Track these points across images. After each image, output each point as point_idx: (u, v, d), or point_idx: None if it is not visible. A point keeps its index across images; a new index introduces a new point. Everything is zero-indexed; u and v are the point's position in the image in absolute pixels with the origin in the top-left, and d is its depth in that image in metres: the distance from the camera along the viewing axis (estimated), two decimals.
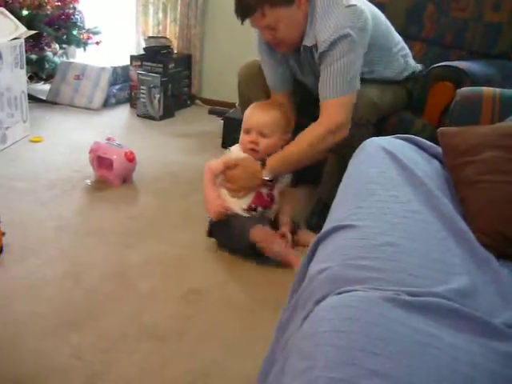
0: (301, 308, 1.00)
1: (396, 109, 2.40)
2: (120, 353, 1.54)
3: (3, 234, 2.03)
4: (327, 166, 2.36)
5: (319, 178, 2.47)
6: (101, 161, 2.67)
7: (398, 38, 2.40)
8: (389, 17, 2.40)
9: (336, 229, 1.17)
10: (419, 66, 2.48)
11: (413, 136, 1.72)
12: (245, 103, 2.42)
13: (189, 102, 4.37)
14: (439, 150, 1.63)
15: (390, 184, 1.38)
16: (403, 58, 2.40)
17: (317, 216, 2.39)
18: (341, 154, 2.19)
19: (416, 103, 2.46)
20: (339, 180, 2.25)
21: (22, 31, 3.20)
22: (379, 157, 1.54)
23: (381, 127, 2.30)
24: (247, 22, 2.12)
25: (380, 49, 2.27)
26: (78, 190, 2.62)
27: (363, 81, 2.22)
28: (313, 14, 2.09)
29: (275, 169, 2.13)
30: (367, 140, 1.70)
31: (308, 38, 2.13)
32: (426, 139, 1.73)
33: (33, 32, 3.33)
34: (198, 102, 4.43)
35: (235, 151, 2.20)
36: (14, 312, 1.69)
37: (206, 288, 1.89)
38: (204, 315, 1.74)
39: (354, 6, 2.06)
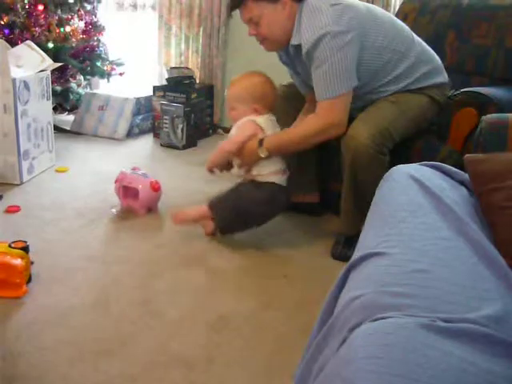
0: (335, 334, 1.00)
1: (422, 122, 2.39)
2: (149, 380, 1.55)
3: (32, 263, 2.06)
4: (344, 201, 2.35)
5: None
6: (126, 190, 2.71)
7: (418, 42, 2.40)
8: None
9: (367, 256, 1.17)
10: (447, 78, 2.46)
11: (439, 163, 1.72)
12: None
13: (211, 132, 4.42)
14: (466, 176, 1.64)
15: (418, 211, 1.39)
16: (426, 63, 2.38)
17: (341, 245, 2.38)
18: (356, 182, 2.24)
19: (441, 129, 2.45)
20: (358, 213, 2.30)
21: (49, 63, 3.26)
22: (407, 184, 1.55)
23: (406, 153, 2.31)
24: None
25: (392, 50, 2.28)
26: (105, 219, 2.64)
27: (378, 96, 2.30)
28: (301, 14, 2.19)
29: (269, 150, 2.24)
30: (394, 168, 1.71)
31: (295, 38, 2.23)
32: (452, 165, 1.74)
33: (59, 64, 3.39)
34: (219, 131, 4.48)
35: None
36: (43, 340, 1.70)
37: (234, 315, 1.89)
38: (233, 342, 1.74)
39: (339, 4, 2.14)
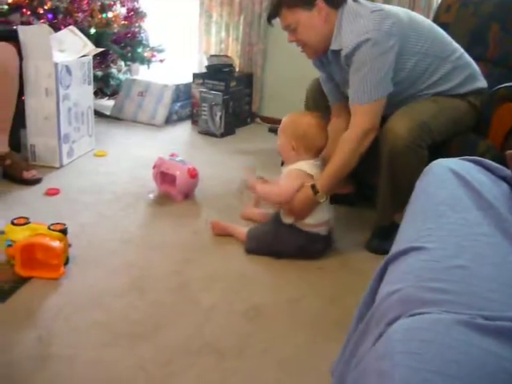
0: (372, 329, 0.99)
1: (460, 127, 2.35)
2: (181, 366, 1.55)
3: (69, 245, 2.08)
4: (380, 193, 2.34)
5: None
6: (164, 176, 2.72)
7: (456, 48, 2.38)
8: (452, 37, 2.40)
9: (406, 251, 1.16)
10: (485, 83, 2.43)
11: (480, 158, 1.68)
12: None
13: (249, 120, 4.41)
14: (508, 172, 1.60)
15: (458, 206, 1.36)
16: (464, 68, 2.36)
17: (377, 238, 2.37)
18: (394, 176, 2.22)
19: (479, 124, 2.42)
20: (393, 205, 2.29)
21: (91, 49, 3.29)
22: (447, 178, 1.52)
23: (444, 149, 2.28)
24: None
25: (432, 56, 2.27)
26: (142, 204, 2.67)
27: (416, 98, 2.28)
28: (340, 20, 2.19)
29: (325, 191, 2.17)
30: (434, 162, 1.68)
31: (335, 43, 2.23)
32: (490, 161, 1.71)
33: (101, 49, 3.42)
34: (257, 119, 4.47)
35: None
36: (78, 321, 1.72)
37: (267, 304, 1.89)
38: (265, 332, 1.74)
39: (380, 10, 2.16)
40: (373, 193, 2.63)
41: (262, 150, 3.70)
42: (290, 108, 4.18)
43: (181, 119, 4.36)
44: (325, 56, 2.36)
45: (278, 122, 4.14)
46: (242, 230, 2.31)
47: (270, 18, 2.32)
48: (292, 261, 2.20)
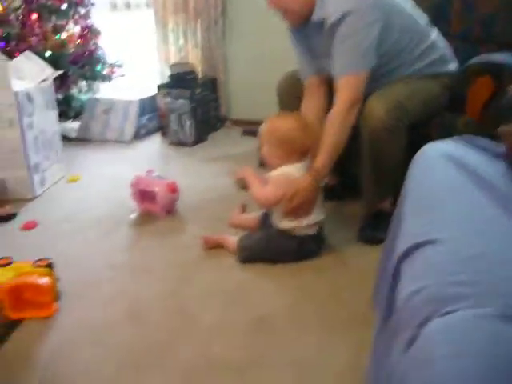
0: (402, 330, 0.94)
1: (435, 107, 2.36)
2: None
3: (57, 279, 2.00)
4: (364, 179, 2.34)
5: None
6: (143, 194, 2.65)
7: (433, 28, 2.40)
8: None
9: (418, 245, 1.11)
10: (457, 66, 2.44)
11: (472, 136, 1.66)
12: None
13: (219, 125, 4.35)
14: (500, 149, 1.57)
15: (461, 191, 1.32)
16: (440, 48, 2.39)
17: (368, 228, 2.35)
18: (376, 160, 2.22)
19: (453, 101, 2.41)
20: (378, 187, 2.29)
21: (50, 72, 3.20)
22: (443, 163, 1.48)
23: (423, 129, 2.29)
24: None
25: (413, 31, 2.28)
26: (124, 225, 2.59)
27: (390, 79, 2.27)
28: None
29: (324, 171, 2.14)
30: (425, 146, 1.65)
31: (318, 13, 2.17)
32: (471, 134, 1.70)
33: (60, 72, 3.33)
34: (228, 123, 4.41)
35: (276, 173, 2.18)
36: (79, 359, 1.65)
37: (273, 313, 1.84)
38: (274, 340, 1.69)
39: None
40: (356, 183, 2.60)
41: (237, 154, 3.65)
42: (258, 108, 4.18)
43: (149, 133, 4.28)
44: (304, 27, 2.31)
45: (250, 123, 4.17)
46: (232, 239, 2.25)
47: None
48: (287, 264, 2.15)
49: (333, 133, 2.14)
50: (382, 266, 1.57)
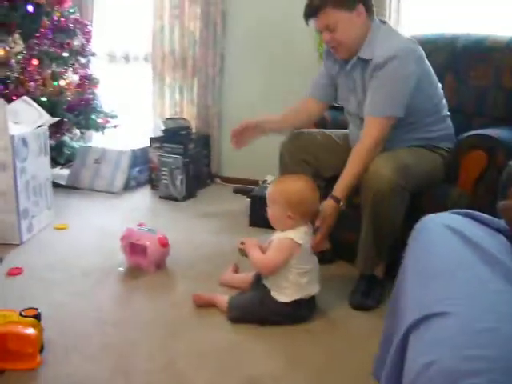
0: None
1: (434, 179, 2.39)
2: None
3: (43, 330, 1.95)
4: (361, 240, 2.33)
5: (354, 255, 2.42)
6: (133, 247, 2.61)
7: (444, 101, 2.51)
8: None
9: (427, 317, 1.10)
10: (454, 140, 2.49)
11: (470, 211, 1.66)
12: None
13: (209, 181, 4.35)
14: (501, 224, 1.58)
15: (466, 264, 1.32)
16: (449, 125, 2.50)
17: (359, 294, 2.33)
18: (376, 221, 2.23)
19: (448, 173, 2.44)
20: (374, 249, 2.29)
21: (46, 119, 3.20)
22: (445, 235, 1.48)
23: (417, 200, 2.29)
24: None
25: (433, 100, 2.40)
26: (112, 278, 2.54)
27: (401, 144, 2.33)
28: (374, 32, 2.30)
29: (346, 197, 2.23)
30: (425, 218, 1.65)
31: (365, 52, 2.29)
32: (464, 208, 1.71)
33: (56, 119, 3.33)
34: (218, 180, 4.42)
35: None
36: None
37: (263, 376, 1.80)
38: None
39: (413, 39, 2.33)
40: (347, 249, 2.61)
41: (227, 211, 3.64)
42: (248, 167, 4.20)
43: (139, 185, 4.26)
44: (345, 61, 2.40)
45: (239, 181, 4.18)
46: (223, 298, 2.21)
47: (309, 16, 2.31)
48: (277, 326, 2.12)
49: (357, 165, 2.23)
50: (385, 337, 1.54)
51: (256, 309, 2.13)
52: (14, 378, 1.75)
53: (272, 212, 2.16)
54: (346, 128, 2.66)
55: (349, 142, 2.53)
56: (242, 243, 2.29)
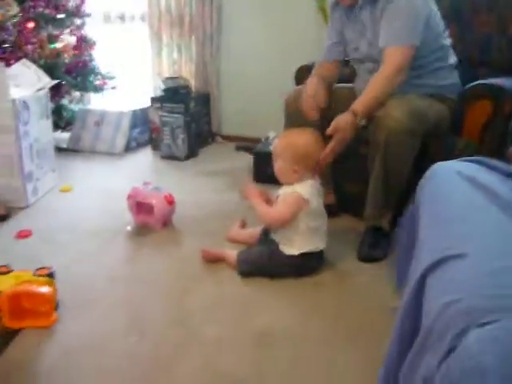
0: (433, 343, 0.94)
1: (441, 129, 2.38)
2: None
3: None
4: (370, 188, 2.33)
5: (360, 208, 2.43)
6: (140, 206, 2.62)
7: (451, 49, 2.50)
8: None
9: (444, 259, 1.11)
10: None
11: (481, 157, 1.67)
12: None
13: (210, 140, 4.35)
14: (511, 169, 1.59)
15: (478, 208, 1.33)
16: (456, 74, 2.49)
17: (366, 246, 2.35)
18: (387, 166, 2.21)
19: (453, 122, 2.44)
20: (385, 201, 2.30)
21: (46, 81, 3.18)
22: (457, 181, 1.50)
23: (423, 150, 2.28)
24: None
25: (439, 37, 2.38)
26: (121, 237, 2.56)
27: (411, 89, 2.29)
28: None
29: (365, 114, 2.19)
30: (436, 165, 1.66)
31: None
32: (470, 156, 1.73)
33: (56, 82, 3.31)
34: (219, 138, 4.41)
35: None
36: (82, 370, 1.62)
37: (275, 328, 1.82)
38: (280, 356, 1.67)
39: None
40: (352, 201, 2.62)
41: (229, 169, 3.64)
42: (248, 124, 4.19)
43: (140, 145, 4.25)
44: (352, 6, 2.39)
45: (240, 139, 4.17)
46: (232, 253, 2.23)
47: None
48: (287, 279, 2.14)
49: (375, 89, 2.22)
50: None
51: (265, 262, 2.16)
52: (31, 336, 1.79)
53: (278, 166, 2.15)
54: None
55: (355, 94, 2.51)
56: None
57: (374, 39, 2.33)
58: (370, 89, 2.22)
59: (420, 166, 1.88)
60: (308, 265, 2.17)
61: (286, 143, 2.15)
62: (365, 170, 2.33)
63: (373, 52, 2.36)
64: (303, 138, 2.12)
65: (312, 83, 2.47)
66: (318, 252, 2.19)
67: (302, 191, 2.09)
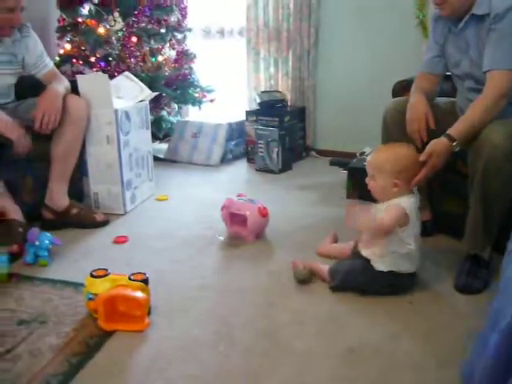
0: None
1: None
2: None
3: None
4: (470, 216, 2.20)
5: (457, 228, 2.32)
6: (233, 217, 2.65)
7: None
8: None
9: None
10: None
11: None
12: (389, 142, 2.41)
13: (304, 154, 4.35)
14: None
15: None
16: None
17: (465, 274, 2.20)
18: (486, 196, 2.09)
19: None
20: (485, 229, 2.16)
21: (147, 93, 3.29)
22: None
23: None
24: None
25: None
26: (213, 247, 2.60)
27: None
28: None
29: (461, 139, 2.11)
30: None
31: (479, 7, 2.16)
32: None
33: (156, 93, 3.41)
34: (313, 153, 4.41)
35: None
36: (172, 375, 1.64)
37: (364, 346, 1.79)
38: (368, 376, 1.64)
39: None
40: (450, 221, 2.52)
41: (323, 184, 3.62)
42: (344, 139, 4.17)
43: (235, 158, 4.32)
44: (457, 21, 2.29)
45: (334, 154, 4.15)
46: (324, 266, 2.21)
47: None
48: (378, 297, 2.10)
49: (477, 112, 2.13)
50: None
51: (358, 275, 2.11)
52: (125, 339, 1.84)
53: (375, 181, 2.11)
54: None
55: (456, 110, 2.44)
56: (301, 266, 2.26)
57: (478, 58, 2.23)
58: (469, 114, 2.14)
59: None
60: (399, 283, 2.12)
61: (385, 156, 2.10)
62: (464, 188, 2.23)
63: (475, 72, 2.27)
64: (403, 150, 2.08)
65: (420, 103, 2.38)
66: (411, 272, 2.13)
67: (405, 205, 2.03)
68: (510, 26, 2.10)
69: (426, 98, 2.41)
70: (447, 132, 2.12)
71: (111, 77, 3.37)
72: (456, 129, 2.12)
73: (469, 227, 2.22)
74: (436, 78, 2.51)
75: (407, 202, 2.05)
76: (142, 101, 3.23)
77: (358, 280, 2.12)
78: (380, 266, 2.09)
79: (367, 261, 2.12)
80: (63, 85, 2.79)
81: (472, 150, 2.11)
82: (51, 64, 2.87)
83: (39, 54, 2.79)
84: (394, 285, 2.11)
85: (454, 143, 2.09)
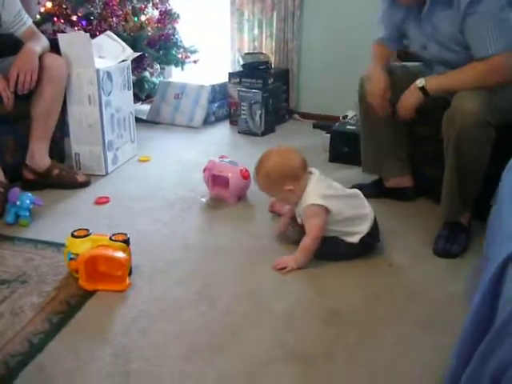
0: (510, 335, 0.91)
1: None
2: (267, 377, 1.48)
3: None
4: (445, 184, 2.21)
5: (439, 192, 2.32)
6: (215, 179, 2.65)
7: None
8: None
9: None
10: None
11: None
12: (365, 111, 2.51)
13: (287, 117, 4.34)
14: None
15: None
16: None
17: (443, 240, 2.22)
18: (460, 165, 2.10)
19: None
20: (461, 197, 2.17)
21: (129, 53, 3.24)
22: None
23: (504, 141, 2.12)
24: None
25: None
26: (195, 208, 2.60)
27: None
28: None
29: (432, 87, 2.16)
30: None
31: None
32: None
33: (139, 54, 3.37)
34: (296, 116, 4.40)
35: None
36: (152, 335, 1.66)
37: (345, 307, 1.81)
38: (350, 336, 1.66)
39: None
40: (430, 185, 2.54)
41: (306, 147, 3.56)
42: (327, 103, 4.15)
43: (218, 120, 4.30)
44: (420, 5, 2.19)
45: (317, 117, 4.15)
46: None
47: None
48: (360, 259, 2.12)
49: (461, 75, 2.11)
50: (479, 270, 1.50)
51: (326, 253, 2.11)
52: (106, 298, 1.84)
53: (278, 198, 2.23)
54: None
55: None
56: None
57: (448, 42, 2.18)
58: (456, 73, 2.12)
59: (498, 160, 1.76)
60: (368, 244, 2.14)
61: (261, 179, 2.14)
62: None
63: (445, 55, 2.23)
64: (269, 162, 2.10)
65: (380, 76, 2.41)
66: (370, 232, 2.12)
67: (312, 200, 2.03)
68: (490, 7, 1.99)
69: (385, 69, 2.45)
70: (423, 85, 2.15)
71: (93, 36, 3.32)
72: (434, 82, 2.17)
73: (445, 195, 2.23)
74: (391, 52, 2.57)
75: (313, 194, 2.04)
76: (123, 61, 3.19)
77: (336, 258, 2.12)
78: (349, 239, 2.10)
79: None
80: (40, 43, 2.72)
81: (445, 118, 2.09)
82: (30, 21, 2.80)
83: (17, 10, 2.72)
84: (364, 248, 2.13)
85: (428, 92, 2.16)
